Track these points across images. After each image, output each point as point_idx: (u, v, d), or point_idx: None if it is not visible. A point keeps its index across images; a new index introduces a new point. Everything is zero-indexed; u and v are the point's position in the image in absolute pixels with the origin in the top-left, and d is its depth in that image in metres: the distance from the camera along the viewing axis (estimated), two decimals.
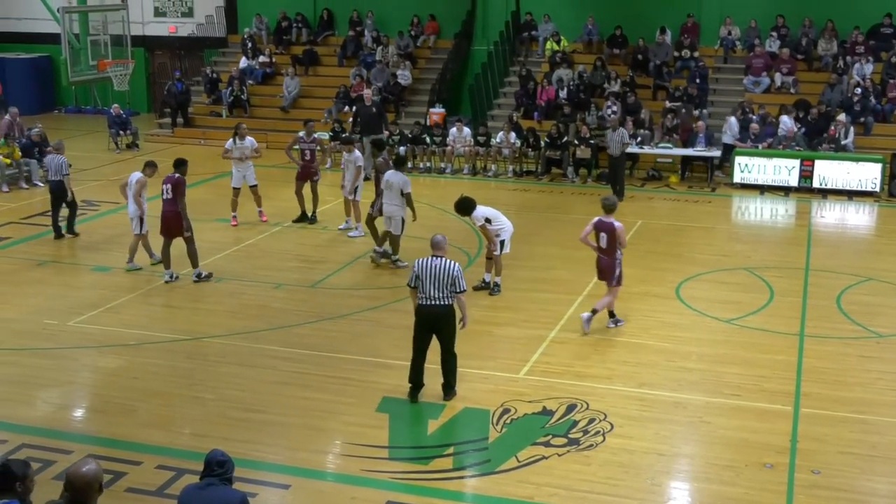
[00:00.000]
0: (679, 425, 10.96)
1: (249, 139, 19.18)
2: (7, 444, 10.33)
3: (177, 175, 15.51)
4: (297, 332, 13.71)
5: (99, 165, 25.00)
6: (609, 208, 13.64)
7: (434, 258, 11.06)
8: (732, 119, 24.03)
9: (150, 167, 16.14)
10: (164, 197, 15.56)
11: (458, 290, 11.02)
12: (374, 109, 23.98)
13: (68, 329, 13.77)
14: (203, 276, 15.75)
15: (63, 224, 18.50)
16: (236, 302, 15.01)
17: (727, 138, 23.86)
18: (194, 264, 15.73)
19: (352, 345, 13.11)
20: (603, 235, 13.56)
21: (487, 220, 14.95)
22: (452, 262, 11.07)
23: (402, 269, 16.17)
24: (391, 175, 16.25)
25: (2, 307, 14.67)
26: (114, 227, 19.31)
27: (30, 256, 17.27)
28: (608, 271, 13.64)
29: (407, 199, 16.19)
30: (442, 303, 10.97)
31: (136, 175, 16.05)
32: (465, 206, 15.01)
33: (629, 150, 23.08)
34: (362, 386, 11.81)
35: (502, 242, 15.14)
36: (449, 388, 11.35)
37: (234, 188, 19.21)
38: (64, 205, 18.46)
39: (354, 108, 24.67)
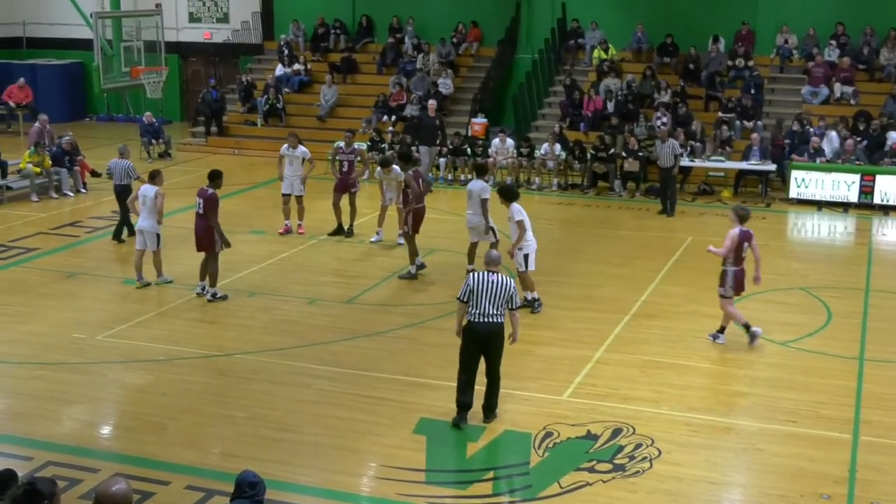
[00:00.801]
0: (730, 452, 10.85)
1: (302, 148, 19.44)
2: (33, 461, 10.43)
3: (210, 191, 15.56)
4: (332, 349, 13.74)
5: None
6: (747, 217, 13.91)
7: (490, 273, 11.05)
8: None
9: (158, 176, 16.27)
10: (197, 211, 15.71)
11: (513, 307, 11.07)
12: (437, 122, 24.23)
13: (97, 343, 13.90)
14: (219, 295, 15.75)
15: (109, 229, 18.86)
16: (269, 317, 15.08)
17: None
18: (212, 283, 15.76)
19: (388, 363, 13.12)
20: (745, 245, 13.68)
21: (520, 223, 14.78)
22: (509, 279, 11.12)
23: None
24: (472, 184, 16.54)
25: (30, 320, 14.85)
26: None
27: (59, 268, 17.48)
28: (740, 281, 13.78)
29: (482, 205, 16.25)
30: (496, 320, 10.99)
31: (153, 189, 16.00)
32: (508, 192, 15.11)
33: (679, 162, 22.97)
34: (399, 406, 11.81)
35: (526, 257, 15.04)
36: (490, 411, 11.30)
37: (283, 195, 19.45)
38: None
39: (417, 118, 24.86)
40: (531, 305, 15.17)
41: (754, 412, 11.80)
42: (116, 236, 19.03)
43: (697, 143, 24.32)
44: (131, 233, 18.68)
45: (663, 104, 25.92)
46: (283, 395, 12.18)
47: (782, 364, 13.30)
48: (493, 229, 16.32)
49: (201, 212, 15.53)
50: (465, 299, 11.04)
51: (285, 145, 19.60)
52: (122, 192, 18.81)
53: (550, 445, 10.86)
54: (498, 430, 11.20)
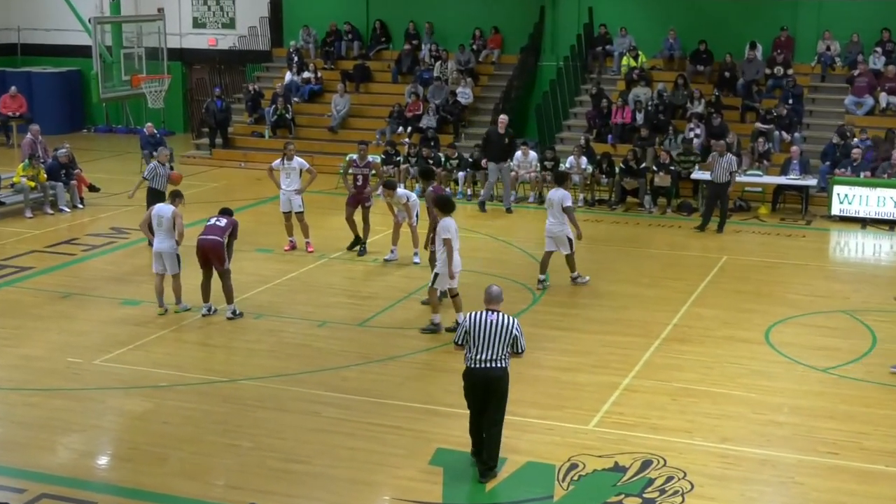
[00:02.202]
0: (767, 486, 10.83)
1: (298, 160, 19.46)
2: (26, 493, 10.49)
3: (233, 218, 16.04)
4: (343, 374, 13.79)
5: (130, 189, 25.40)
6: None
7: (489, 313, 10.56)
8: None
9: (179, 198, 16.33)
10: (215, 223, 15.85)
11: (518, 352, 10.63)
12: (506, 139, 24.27)
13: (94, 368, 13.98)
14: (237, 313, 15.92)
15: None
16: (276, 341, 15.15)
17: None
18: (229, 300, 15.91)
19: (402, 390, 13.15)
20: None
21: (447, 242, 14.76)
22: (511, 319, 10.61)
23: (583, 285, 17.57)
24: (552, 193, 17.27)
25: (23, 343, 14.95)
26: (144, 258, 19.58)
27: (54, 288, 17.60)
28: None
29: (567, 213, 16.93)
30: (496, 365, 10.48)
31: (169, 208, 16.00)
32: (444, 203, 15.05)
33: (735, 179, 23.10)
34: (414, 436, 11.83)
35: (436, 276, 15.13)
36: (487, 470, 10.82)
37: (284, 213, 19.54)
38: None
39: (486, 134, 24.75)
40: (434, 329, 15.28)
41: (793, 443, 11.76)
42: None
43: (733, 157, 24.28)
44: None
45: (696, 115, 25.95)
46: (291, 423, 12.22)
47: (823, 392, 13.27)
48: (570, 240, 17.25)
49: (220, 225, 15.75)
50: (460, 342, 10.64)
51: (278, 159, 19.60)
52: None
53: (575, 478, 10.85)
54: (519, 461, 11.20)
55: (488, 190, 23.99)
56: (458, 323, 14.28)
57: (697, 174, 23.88)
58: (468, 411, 11.00)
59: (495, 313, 10.58)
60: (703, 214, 21.98)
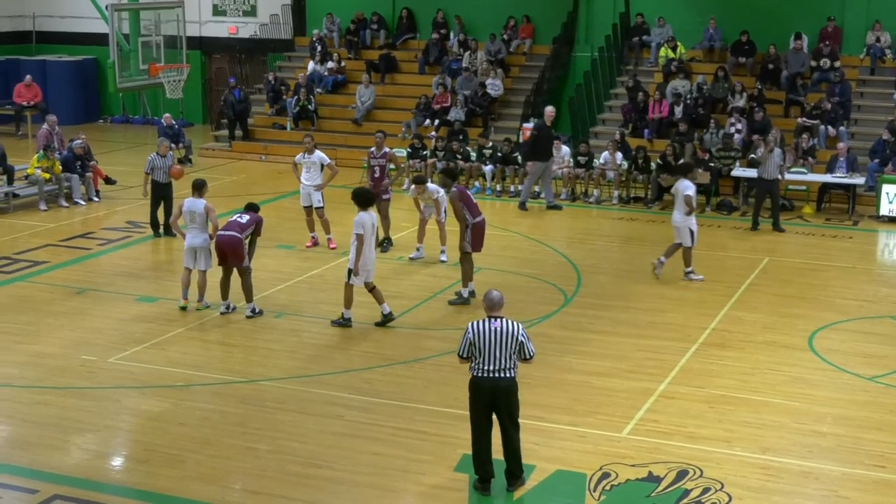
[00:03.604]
0: (810, 500, 10.78)
1: (319, 154, 19.52)
2: (38, 494, 10.58)
3: (258, 214, 16.18)
4: (366, 376, 13.82)
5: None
6: None
7: (492, 320, 10.41)
8: None
9: (204, 187, 16.39)
10: (237, 219, 15.95)
11: (526, 357, 10.49)
12: (553, 132, 24.19)
13: (109, 366, 14.08)
14: (257, 311, 15.99)
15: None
16: (297, 340, 15.21)
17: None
18: (248, 299, 15.97)
19: (428, 393, 13.17)
20: None
21: (359, 237, 15.10)
22: (515, 324, 10.46)
23: (698, 282, 17.91)
24: (678, 183, 18.11)
25: (36, 340, 15.07)
26: (162, 253, 19.75)
27: (68, 284, 17.72)
28: None
29: (686, 202, 17.69)
30: (505, 374, 10.36)
31: (201, 202, 16.05)
32: (362, 197, 15.46)
33: (752, 175, 22.96)
34: (439, 441, 11.85)
35: (349, 271, 15.40)
36: (514, 478, 10.82)
37: (304, 207, 19.62)
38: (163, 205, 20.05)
39: (534, 126, 24.60)
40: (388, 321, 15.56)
41: (837, 455, 11.71)
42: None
43: (760, 152, 24.17)
44: (159, 234, 19.43)
45: (738, 109, 25.85)
46: (312, 426, 12.26)
47: (869, 402, 13.19)
48: (692, 233, 17.90)
49: (243, 222, 15.83)
50: (465, 355, 10.46)
51: (301, 153, 19.74)
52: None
53: (607, 488, 10.84)
54: (549, 469, 11.19)
55: (527, 190, 23.91)
56: (343, 317, 15.39)
57: (738, 171, 23.81)
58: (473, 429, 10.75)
59: (498, 320, 10.44)
60: (755, 214, 21.87)
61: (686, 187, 17.91)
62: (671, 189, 18.87)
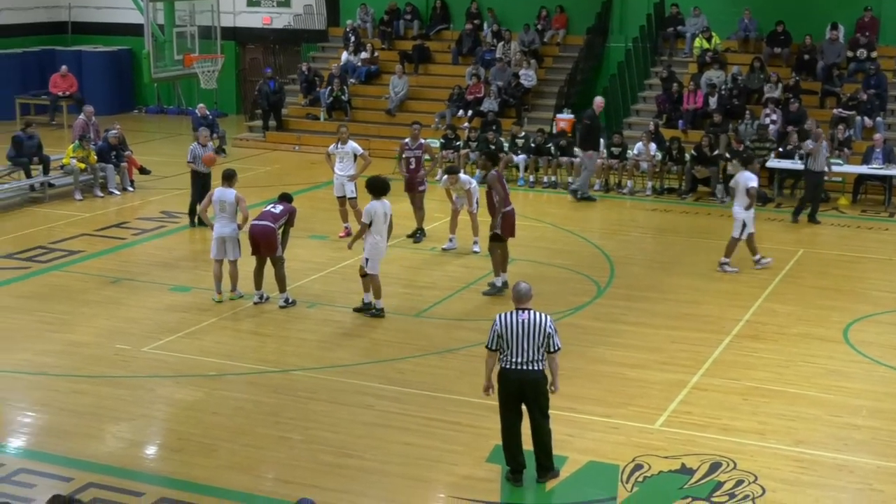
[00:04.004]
0: (844, 493, 10.72)
1: (352, 144, 19.57)
2: (73, 482, 10.66)
3: (291, 205, 16.26)
4: (399, 366, 13.84)
5: (181, 172, 25.54)
6: None
7: (520, 312, 10.42)
8: None
9: (234, 177, 16.44)
10: (270, 209, 16.00)
11: (552, 350, 10.42)
12: (599, 120, 24.10)
13: (143, 355, 14.16)
14: (290, 301, 16.03)
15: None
16: (330, 331, 15.24)
17: None
18: (282, 289, 16.02)
19: (461, 384, 13.16)
20: None
21: (368, 225, 15.28)
22: (544, 316, 10.44)
23: (731, 273, 17.74)
24: (739, 175, 18.14)
25: (71, 329, 15.18)
26: (196, 243, 19.83)
27: (103, 273, 17.83)
28: None
29: (749, 194, 17.71)
30: (532, 367, 10.34)
31: (231, 192, 16.07)
32: (376, 187, 15.56)
33: (787, 166, 22.85)
34: (472, 432, 11.85)
35: (367, 261, 15.49)
36: (545, 471, 10.81)
37: (337, 197, 19.66)
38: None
39: (586, 116, 24.16)
40: (368, 310, 15.67)
41: (872, 448, 11.64)
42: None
43: (811, 144, 24.02)
44: (194, 224, 19.70)
45: (773, 100, 25.67)
46: (344, 416, 12.29)
47: None
48: (744, 224, 17.83)
49: (276, 212, 15.89)
50: (493, 347, 10.47)
51: (334, 143, 19.78)
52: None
53: (640, 479, 10.81)
54: (581, 460, 11.18)
55: (587, 179, 23.72)
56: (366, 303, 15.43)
57: (773, 162, 23.65)
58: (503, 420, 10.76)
59: (526, 312, 10.42)
60: (813, 206, 21.60)
61: (748, 179, 17.86)
62: (732, 181, 18.74)
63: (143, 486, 10.61)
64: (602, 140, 24.88)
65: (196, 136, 21.01)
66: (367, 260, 15.47)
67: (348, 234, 19.77)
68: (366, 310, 15.71)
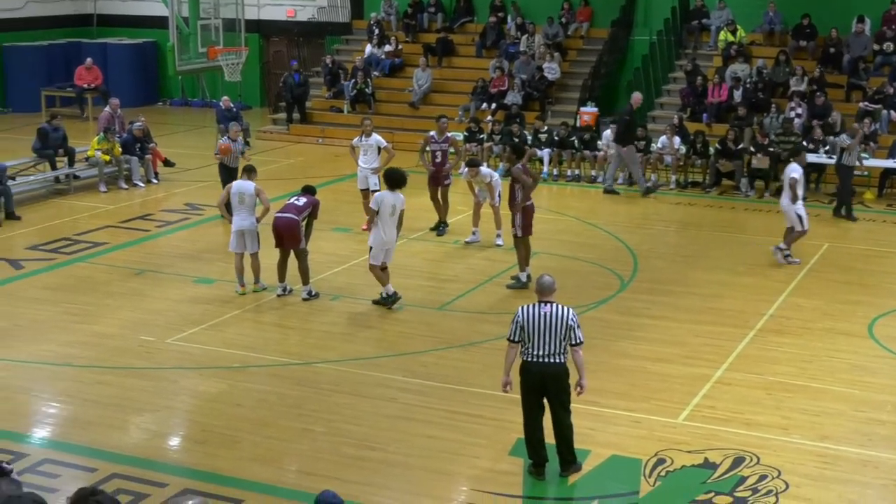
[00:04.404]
0: (869, 488, 10.68)
1: (376, 136, 19.59)
2: (97, 473, 10.72)
3: (314, 197, 16.27)
4: (421, 360, 13.85)
5: (205, 165, 25.69)
6: None
7: (542, 305, 10.38)
8: None
9: (255, 171, 16.50)
10: (294, 201, 16.03)
11: (574, 343, 10.36)
12: (636, 116, 24.11)
13: (166, 347, 14.22)
14: (313, 293, 16.06)
15: None
16: (353, 323, 15.26)
17: None
18: (305, 281, 16.05)
19: (483, 377, 13.13)
20: None
21: (376, 212, 15.42)
22: (566, 309, 10.41)
23: (793, 264, 17.84)
24: (788, 168, 18.11)
25: (96, 320, 15.25)
26: (220, 235, 19.85)
27: (127, 265, 17.91)
28: None
29: (790, 185, 17.63)
30: (554, 360, 10.32)
31: (251, 185, 16.11)
32: (394, 179, 15.67)
33: (812, 160, 22.76)
34: (494, 425, 11.84)
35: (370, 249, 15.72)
36: (568, 464, 10.78)
37: (361, 190, 19.69)
38: None
39: (627, 114, 23.87)
40: (387, 301, 15.65)
41: None
42: None
43: (836, 139, 23.89)
44: None
45: (798, 93, 25.54)
46: (367, 409, 12.31)
47: None
48: (799, 216, 17.81)
49: (300, 205, 15.91)
50: (514, 339, 10.45)
51: (357, 136, 19.80)
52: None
53: (663, 474, 10.79)
54: (604, 454, 11.16)
55: (640, 174, 23.58)
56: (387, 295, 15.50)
57: None
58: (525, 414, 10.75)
59: (549, 305, 10.39)
60: (846, 200, 21.48)
61: (791, 170, 17.86)
62: (783, 174, 18.63)
63: (166, 477, 10.65)
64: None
65: (224, 130, 21.00)
66: (370, 249, 15.57)
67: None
68: (384, 302, 15.72)
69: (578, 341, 10.37)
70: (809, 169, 23.53)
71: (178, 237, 19.82)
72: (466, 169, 18.98)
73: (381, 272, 15.65)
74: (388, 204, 15.39)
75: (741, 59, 27.44)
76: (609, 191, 23.38)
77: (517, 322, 10.41)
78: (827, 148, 23.55)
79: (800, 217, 17.86)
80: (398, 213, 15.59)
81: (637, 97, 24.28)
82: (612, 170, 23.69)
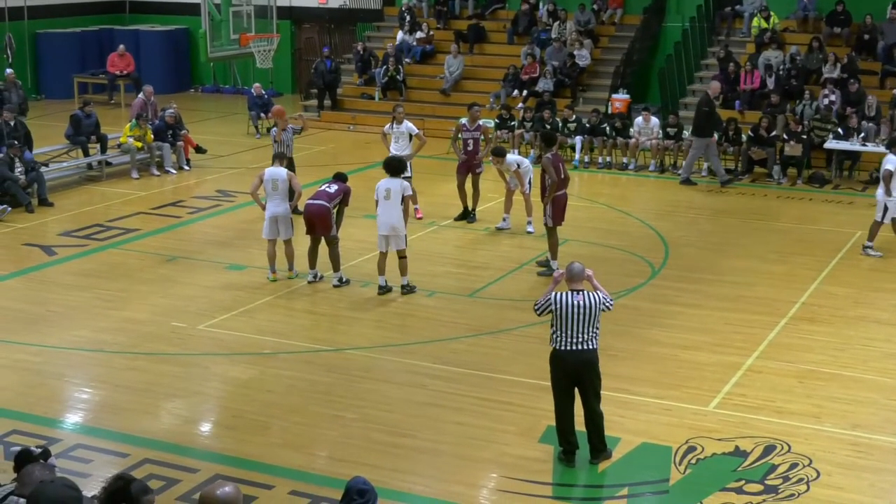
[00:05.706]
0: None
1: (407, 124, 19.56)
2: (129, 458, 10.80)
3: (346, 184, 16.32)
4: (452, 347, 13.86)
5: (237, 151, 25.82)
6: None
7: (574, 294, 10.37)
8: None
9: (285, 159, 16.54)
10: (325, 188, 16.06)
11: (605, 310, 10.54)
12: (715, 106, 23.89)
13: (198, 333, 14.29)
14: (344, 280, 16.09)
15: None
16: (384, 310, 15.29)
17: None
18: (336, 268, 16.08)
19: (514, 364, 13.16)
20: None
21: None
22: (597, 297, 10.42)
23: (875, 257, 17.66)
24: (885, 159, 17.86)
25: (128, 306, 15.34)
26: (251, 222, 19.89)
27: (159, 251, 18.00)
28: None
29: (884, 177, 17.42)
30: (587, 346, 10.37)
31: (282, 171, 16.14)
32: (393, 167, 15.88)
33: (846, 147, 22.55)
34: (524, 412, 11.85)
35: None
36: (598, 452, 10.79)
37: None
38: None
39: (706, 105, 23.28)
40: (411, 291, 15.82)
41: None
42: None
43: (871, 125, 23.71)
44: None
45: (832, 80, 25.34)
46: (397, 395, 12.34)
47: None
48: (886, 207, 17.55)
49: (332, 192, 15.94)
50: (540, 313, 10.55)
51: (389, 123, 19.80)
52: None
53: (693, 461, 10.77)
54: (634, 442, 11.15)
55: (718, 166, 23.22)
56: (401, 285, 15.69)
57: (832, 143, 23.37)
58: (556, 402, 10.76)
59: (581, 293, 10.39)
60: None
61: (887, 161, 17.61)
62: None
63: (197, 463, 10.72)
64: (657, 120, 24.66)
65: (256, 117, 20.87)
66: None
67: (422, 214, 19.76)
68: (407, 290, 15.77)
69: (608, 307, 10.54)
70: (843, 156, 23.44)
71: (210, 224, 19.90)
72: (492, 157, 18.95)
73: (381, 259, 15.77)
74: (381, 190, 15.55)
75: (774, 46, 27.23)
76: (686, 181, 23.17)
77: (550, 306, 10.40)
78: (863, 135, 23.35)
79: (885, 208, 17.55)
80: (394, 196, 15.55)
81: (715, 86, 24.04)
82: (691, 160, 23.36)
